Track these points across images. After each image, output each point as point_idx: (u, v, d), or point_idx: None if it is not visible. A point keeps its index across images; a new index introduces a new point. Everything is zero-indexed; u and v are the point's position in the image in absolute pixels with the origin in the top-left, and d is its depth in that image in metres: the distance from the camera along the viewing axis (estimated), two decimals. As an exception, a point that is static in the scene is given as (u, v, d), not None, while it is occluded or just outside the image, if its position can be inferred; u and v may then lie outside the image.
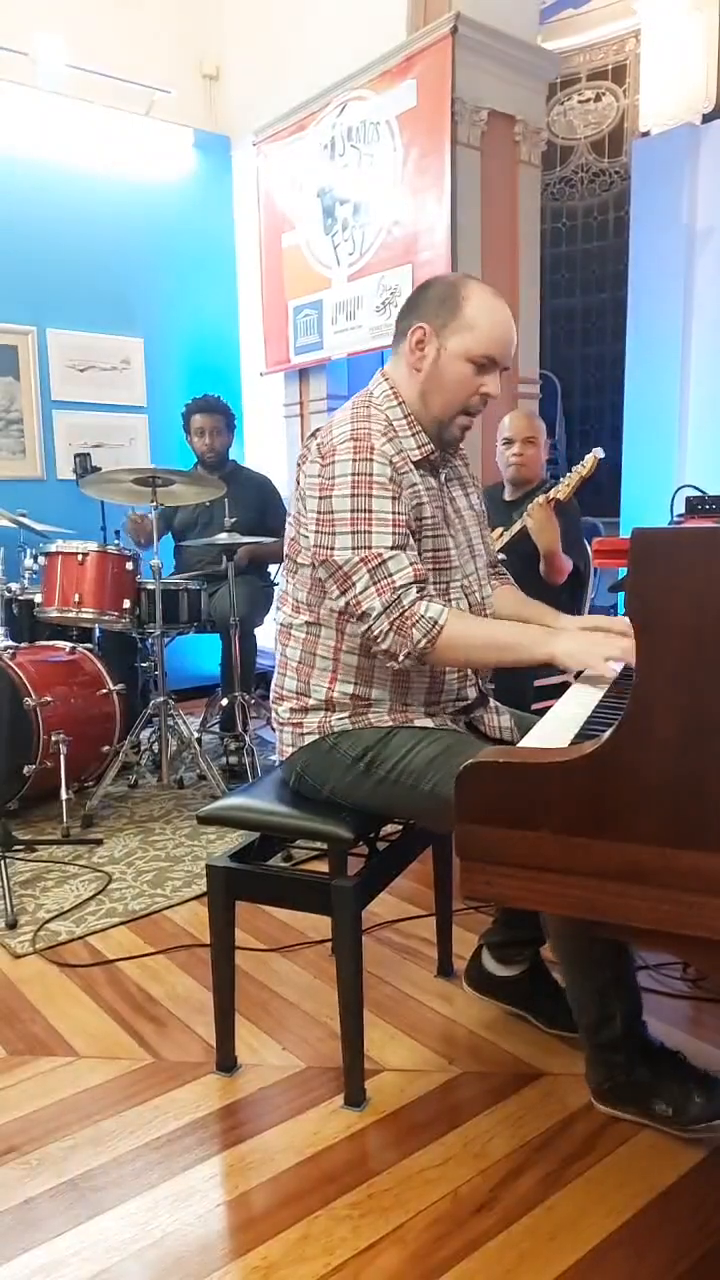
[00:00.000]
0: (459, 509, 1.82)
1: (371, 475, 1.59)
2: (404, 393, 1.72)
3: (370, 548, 1.57)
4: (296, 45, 4.55)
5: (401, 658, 1.58)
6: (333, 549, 1.60)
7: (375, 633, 1.57)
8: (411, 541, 1.63)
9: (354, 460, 1.59)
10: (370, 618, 1.57)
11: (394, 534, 1.59)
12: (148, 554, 3.35)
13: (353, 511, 1.58)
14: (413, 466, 1.68)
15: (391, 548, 1.58)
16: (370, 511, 1.58)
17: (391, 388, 1.73)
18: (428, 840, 2.00)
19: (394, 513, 1.59)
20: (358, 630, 1.62)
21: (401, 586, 1.56)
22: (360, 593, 1.58)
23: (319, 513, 1.61)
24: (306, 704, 1.74)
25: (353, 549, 1.58)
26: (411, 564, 1.59)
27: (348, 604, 1.61)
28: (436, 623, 1.56)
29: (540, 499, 3.04)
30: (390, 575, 1.57)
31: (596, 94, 6.41)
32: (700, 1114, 1.56)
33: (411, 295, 1.75)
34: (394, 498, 1.60)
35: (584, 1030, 1.65)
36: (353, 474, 1.58)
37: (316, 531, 1.62)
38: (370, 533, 1.58)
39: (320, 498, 1.61)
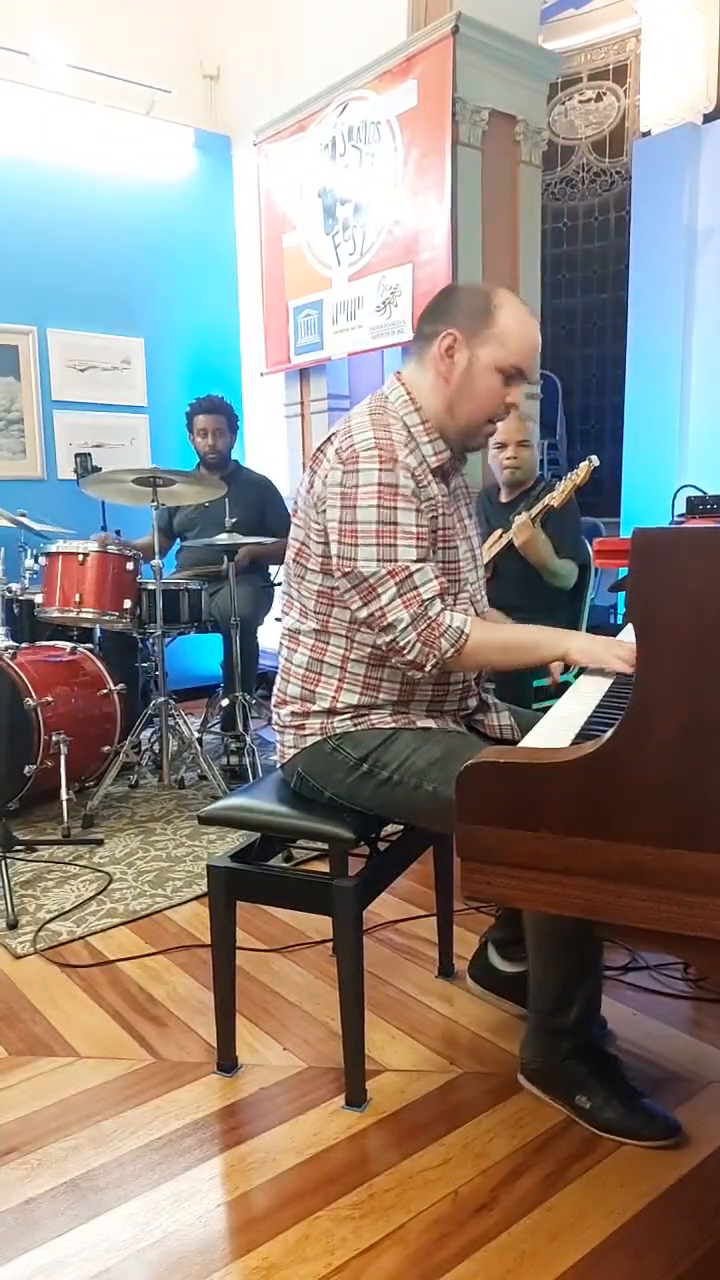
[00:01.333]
0: (463, 519, 1.82)
1: (397, 487, 1.57)
2: (423, 399, 1.69)
3: (396, 560, 1.57)
4: (297, 45, 4.55)
5: (429, 668, 1.58)
6: (356, 560, 1.58)
7: (402, 644, 1.57)
8: (431, 555, 1.63)
9: (379, 470, 1.57)
10: (397, 629, 1.57)
11: (418, 547, 1.58)
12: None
13: (378, 524, 1.57)
14: (430, 477, 1.67)
15: (416, 561, 1.57)
16: (396, 524, 1.57)
17: (409, 393, 1.69)
18: (428, 840, 2.00)
19: (417, 525, 1.59)
20: (379, 641, 1.61)
21: (428, 599, 1.57)
22: (387, 605, 1.57)
23: (341, 523, 1.59)
24: (309, 709, 1.73)
25: (378, 561, 1.57)
26: (435, 577, 1.59)
27: (371, 614, 1.59)
28: (464, 632, 1.56)
29: (523, 517, 3.04)
30: (417, 588, 1.56)
31: (597, 94, 6.41)
32: (613, 1123, 1.59)
33: (438, 299, 1.72)
34: (417, 510, 1.59)
35: (535, 1010, 1.68)
36: (378, 484, 1.57)
37: (339, 542, 1.60)
38: (396, 545, 1.57)
39: (343, 507, 1.59)
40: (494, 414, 1.69)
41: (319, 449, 1.69)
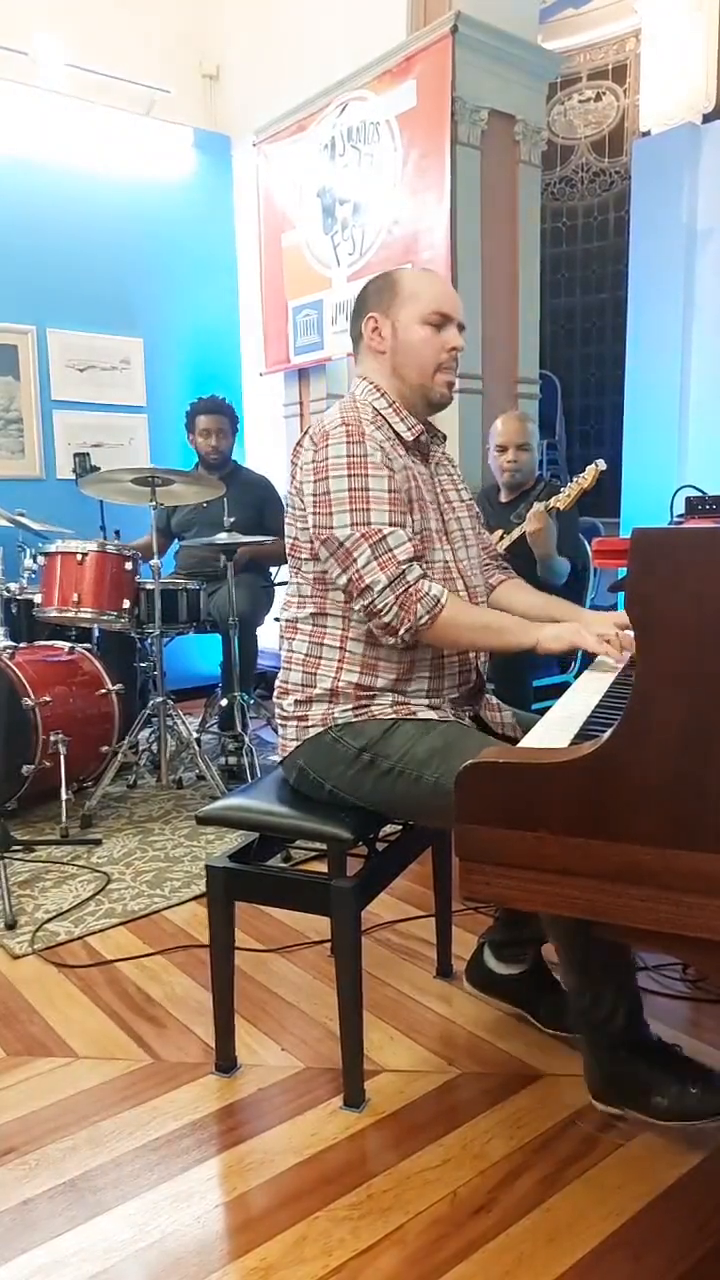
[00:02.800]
0: (449, 499, 1.87)
1: (366, 456, 1.66)
2: (380, 382, 1.79)
3: (370, 524, 1.63)
4: (296, 45, 4.55)
5: (401, 632, 1.62)
6: (332, 527, 1.65)
7: (379, 606, 1.61)
8: (407, 519, 1.68)
9: (348, 443, 1.66)
10: (374, 591, 1.61)
11: (390, 511, 1.65)
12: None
13: (350, 490, 1.64)
14: (404, 450, 1.75)
15: (389, 524, 1.64)
16: (368, 490, 1.64)
17: (370, 383, 1.80)
18: (427, 841, 2.00)
19: (389, 491, 1.66)
20: (357, 605, 1.66)
21: (404, 561, 1.62)
22: (363, 567, 1.62)
23: (316, 495, 1.67)
24: (311, 695, 1.75)
25: (351, 525, 1.63)
26: (409, 540, 1.65)
27: (349, 580, 1.64)
28: (439, 600, 1.62)
29: (539, 507, 3.04)
30: (391, 550, 1.62)
31: (597, 94, 6.41)
32: (697, 1107, 1.56)
33: (354, 305, 1.87)
34: (388, 477, 1.66)
35: (584, 1028, 1.65)
36: (348, 456, 1.65)
37: (315, 513, 1.67)
38: (369, 510, 1.63)
39: (316, 480, 1.67)
40: (439, 361, 1.78)
41: (297, 443, 1.77)
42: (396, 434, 1.75)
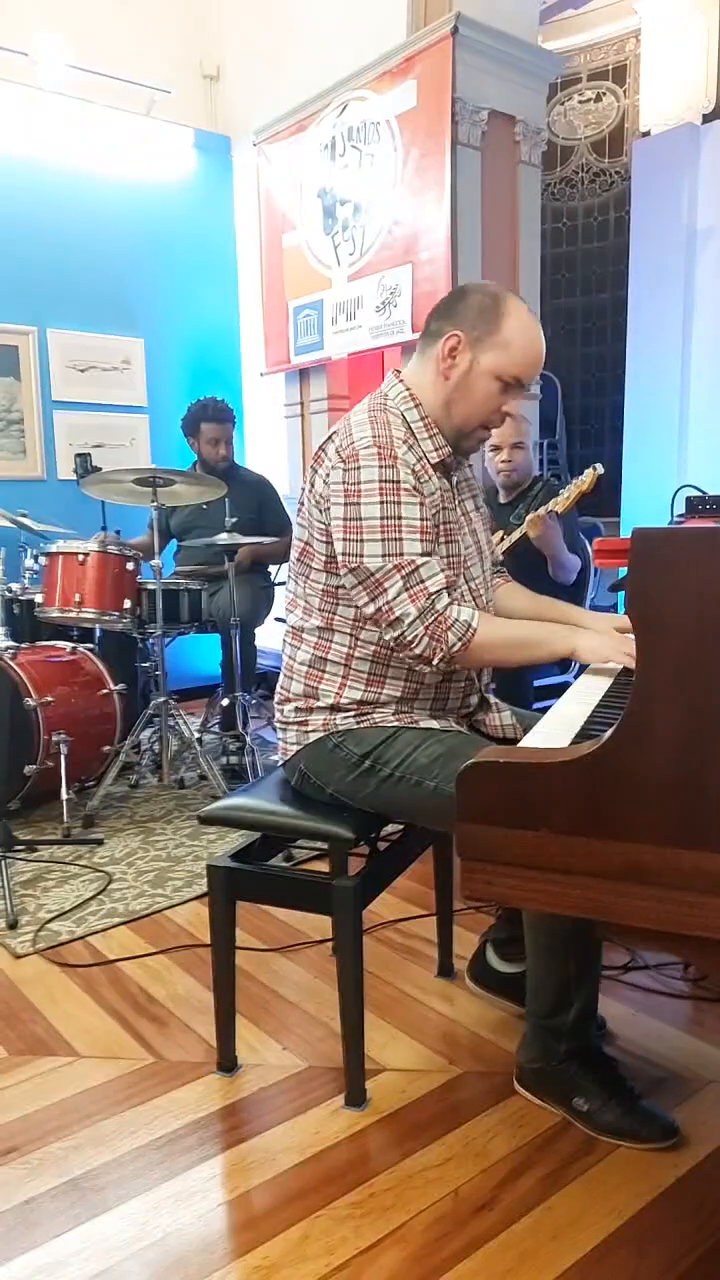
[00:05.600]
0: (468, 513, 1.83)
1: (399, 483, 1.59)
2: (423, 396, 1.70)
3: (403, 555, 1.57)
4: (296, 45, 4.55)
5: (436, 661, 1.58)
6: (363, 556, 1.59)
7: (409, 638, 1.57)
8: (435, 547, 1.64)
9: (380, 466, 1.58)
10: (404, 623, 1.57)
11: (422, 540, 1.59)
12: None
13: (383, 519, 1.58)
14: (431, 472, 1.68)
15: (422, 554, 1.58)
16: (400, 519, 1.58)
17: (408, 390, 1.71)
18: (428, 840, 2.00)
19: (420, 519, 1.60)
20: (386, 636, 1.61)
21: (435, 593, 1.57)
22: (394, 599, 1.57)
23: (346, 520, 1.60)
24: (312, 705, 1.73)
25: (383, 556, 1.58)
26: (441, 570, 1.60)
27: (378, 610, 1.59)
28: (470, 625, 1.57)
29: (537, 513, 3.04)
30: (423, 582, 1.57)
31: (597, 94, 6.41)
32: (612, 1124, 1.59)
33: (448, 299, 1.72)
34: (420, 504, 1.61)
35: (532, 1011, 1.68)
36: (380, 480, 1.58)
37: (344, 539, 1.60)
38: (401, 540, 1.58)
39: (347, 504, 1.60)
40: (488, 420, 1.71)
41: (320, 448, 1.70)
42: (424, 453, 1.68)
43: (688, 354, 5.04)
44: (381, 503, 1.58)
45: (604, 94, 6.38)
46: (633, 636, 1.65)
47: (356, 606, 1.64)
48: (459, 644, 1.57)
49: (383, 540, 1.57)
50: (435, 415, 1.69)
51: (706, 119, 5.05)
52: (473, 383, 1.66)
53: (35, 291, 4.55)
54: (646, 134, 5.46)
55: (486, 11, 3.63)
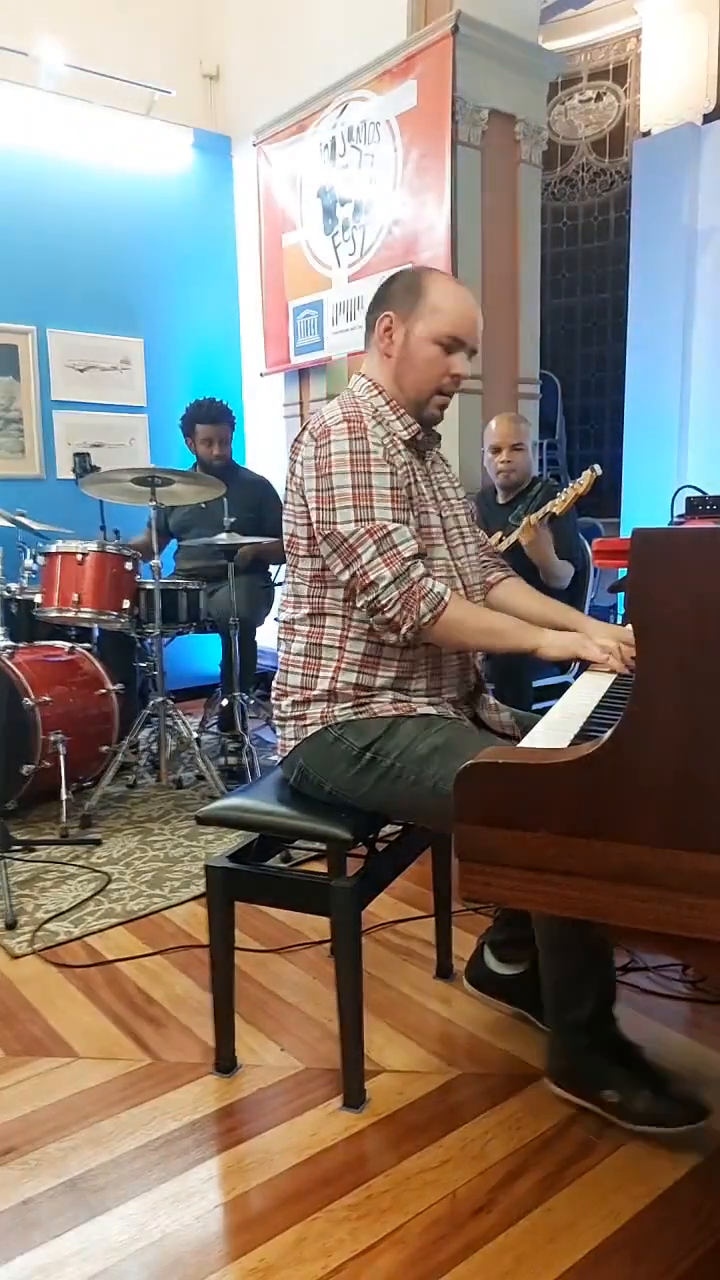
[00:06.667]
0: (446, 495, 1.86)
1: (369, 453, 1.65)
2: (380, 381, 1.78)
3: (374, 520, 1.62)
4: (296, 45, 4.55)
5: (404, 629, 1.61)
6: (335, 523, 1.63)
7: (383, 601, 1.60)
8: (409, 516, 1.68)
9: (350, 439, 1.65)
10: (379, 586, 1.60)
11: (394, 508, 1.64)
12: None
13: (354, 487, 1.63)
14: (402, 446, 1.74)
15: (394, 520, 1.63)
16: (370, 487, 1.63)
17: (369, 381, 1.80)
18: (427, 841, 2.00)
19: (392, 488, 1.65)
20: (360, 601, 1.64)
21: (409, 558, 1.61)
22: (368, 563, 1.61)
23: (319, 490, 1.65)
24: (309, 695, 1.74)
25: (356, 521, 1.62)
26: (413, 537, 1.64)
27: (353, 575, 1.63)
28: (443, 599, 1.61)
29: (530, 518, 3.04)
30: (396, 546, 1.61)
31: (597, 93, 6.41)
32: (645, 1112, 1.59)
33: (377, 291, 1.82)
34: (390, 473, 1.66)
35: (551, 1011, 1.68)
36: (350, 451, 1.64)
37: (317, 508, 1.66)
38: (372, 506, 1.63)
39: (319, 476, 1.66)
40: (440, 384, 1.76)
41: (296, 439, 1.77)
42: (394, 432, 1.75)
43: (688, 354, 5.04)
44: (352, 472, 1.63)
45: (604, 93, 6.38)
46: (605, 640, 1.67)
47: (340, 581, 1.67)
48: (429, 615, 1.60)
49: (354, 506, 1.62)
50: (395, 396, 1.77)
51: (707, 119, 5.05)
52: (413, 352, 1.74)
53: (35, 291, 4.55)
54: (647, 134, 5.46)
55: (487, 11, 3.62)
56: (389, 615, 1.61)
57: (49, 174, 4.54)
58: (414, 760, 1.63)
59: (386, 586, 1.60)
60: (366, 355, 1.84)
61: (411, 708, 1.71)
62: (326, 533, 1.65)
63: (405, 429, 1.76)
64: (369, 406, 1.74)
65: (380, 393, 1.77)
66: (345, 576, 1.65)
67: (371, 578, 1.61)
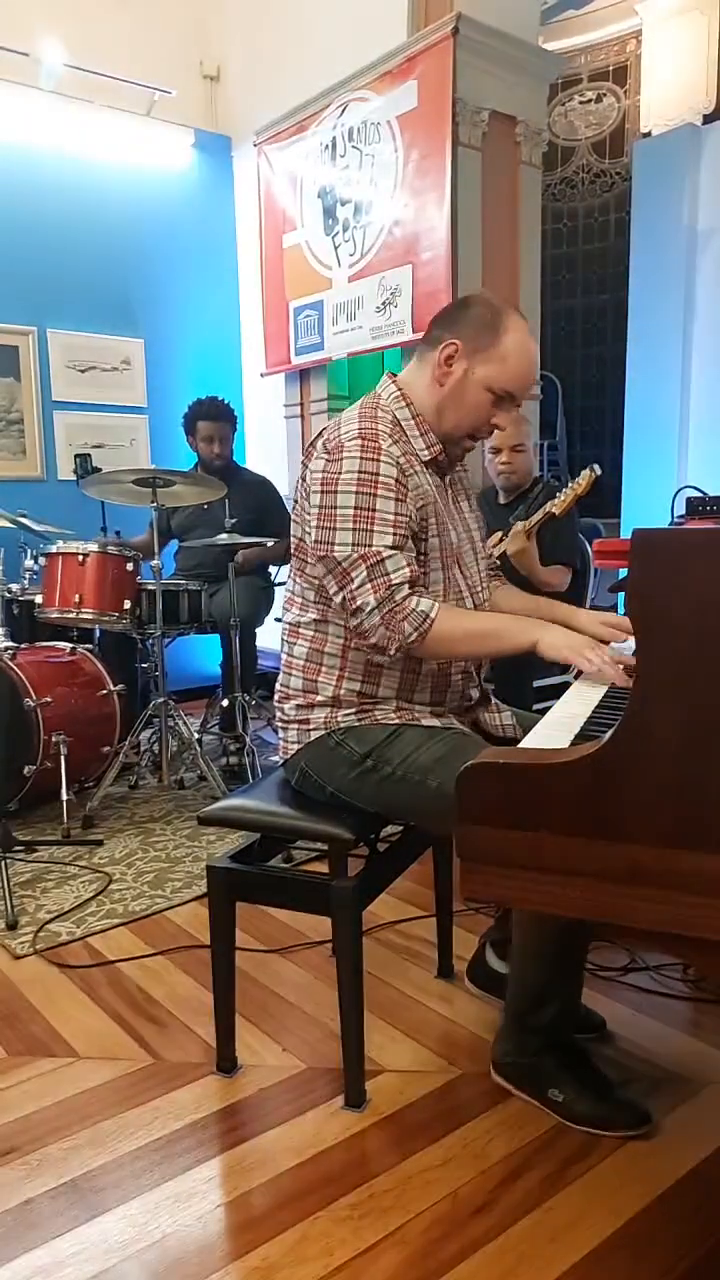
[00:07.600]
0: (462, 512, 1.85)
1: (378, 475, 1.60)
2: (416, 398, 1.73)
3: (370, 545, 1.59)
4: (297, 45, 4.55)
5: (392, 651, 1.60)
6: (333, 545, 1.61)
7: (366, 626, 1.60)
8: (410, 544, 1.64)
9: (361, 459, 1.61)
10: (364, 612, 1.59)
11: (394, 535, 1.60)
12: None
13: (356, 509, 1.60)
14: (421, 467, 1.70)
15: (390, 548, 1.60)
16: (373, 511, 1.60)
17: (400, 391, 1.74)
18: (428, 841, 2.00)
19: (396, 514, 1.61)
20: (350, 624, 1.64)
21: (396, 584, 1.59)
22: (356, 588, 1.60)
23: (321, 507, 1.63)
24: (313, 700, 1.74)
25: (352, 545, 1.60)
26: (408, 564, 1.61)
27: (343, 598, 1.62)
28: (428, 616, 1.58)
29: (519, 527, 3.03)
30: (387, 574, 1.59)
31: (597, 95, 6.41)
32: (586, 1115, 1.61)
33: (451, 307, 1.76)
34: (397, 499, 1.61)
35: (512, 1007, 1.70)
36: (359, 471, 1.60)
37: (319, 526, 1.63)
38: (372, 531, 1.60)
39: (324, 492, 1.63)
40: (476, 429, 1.74)
41: (310, 443, 1.73)
42: (413, 451, 1.70)
43: (688, 355, 5.04)
44: (357, 493, 1.60)
45: (604, 94, 6.38)
46: (608, 639, 1.68)
47: (330, 595, 1.66)
48: (415, 634, 1.58)
49: (354, 530, 1.60)
50: (428, 417, 1.72)
51: (707, 120, 5.05)
52: (466, 391, 1.69)
53: (35, 292, 4.55)
54: (647, 135, 5.47)
55: (487, 12, 3.63)
56: (373, 640, 1.60)
57: (49, 174, 4.54)
58: (417, 769, 1.63)
59: (370, 612, 1.58)
60: (414, 361, 1.77)
61: (415, 717, 1.71)
62: (323, 554, 1.63)
63: (427, 448, 1.72)
64: (391, 418, 1.68)
65: (408, 405, 1.72)
66: (337, 599, 1.64)
67: (358, 603, 1.59)
